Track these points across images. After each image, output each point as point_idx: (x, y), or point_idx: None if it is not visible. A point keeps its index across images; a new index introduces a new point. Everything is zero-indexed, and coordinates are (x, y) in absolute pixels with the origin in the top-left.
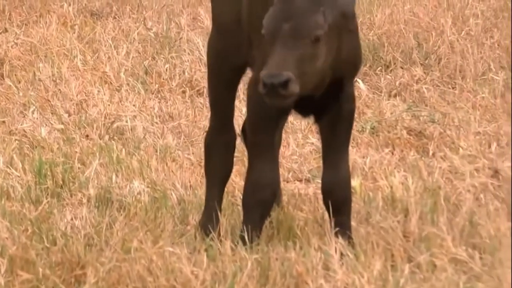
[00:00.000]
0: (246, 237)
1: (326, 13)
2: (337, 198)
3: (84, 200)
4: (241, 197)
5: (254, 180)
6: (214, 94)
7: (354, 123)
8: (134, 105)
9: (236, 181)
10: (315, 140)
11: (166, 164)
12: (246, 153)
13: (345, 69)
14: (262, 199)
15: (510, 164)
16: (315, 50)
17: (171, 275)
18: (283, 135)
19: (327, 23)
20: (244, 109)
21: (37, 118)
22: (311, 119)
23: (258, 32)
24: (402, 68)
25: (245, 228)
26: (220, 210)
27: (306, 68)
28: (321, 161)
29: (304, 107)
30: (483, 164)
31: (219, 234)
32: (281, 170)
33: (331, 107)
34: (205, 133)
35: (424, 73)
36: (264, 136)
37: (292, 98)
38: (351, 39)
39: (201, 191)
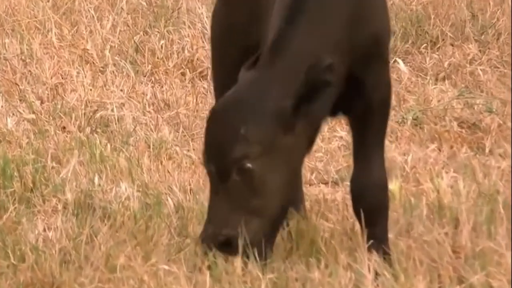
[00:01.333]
0: None
1: (249, 132)
2: (369, 204)
3: (60, 207)
4: None
5: None
6: (218, 78)
7: (393, 113)
8: (121, 90)
9: None
10: (344, 134)
11: (161, 163)
12: None
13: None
14: None
15: None
16: (252, 178)
17: None
18: None
19: (255, 142)
20: None
21: (2, 106)
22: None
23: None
24: (452, 45)
25: None
26: None
27: (253, 201)
28: (351, 160)
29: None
30: None
31: None
32: (302, 171)
33: (359, 98)
34: None
35: (480, 51)
36: None
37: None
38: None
39: (204, 196)
